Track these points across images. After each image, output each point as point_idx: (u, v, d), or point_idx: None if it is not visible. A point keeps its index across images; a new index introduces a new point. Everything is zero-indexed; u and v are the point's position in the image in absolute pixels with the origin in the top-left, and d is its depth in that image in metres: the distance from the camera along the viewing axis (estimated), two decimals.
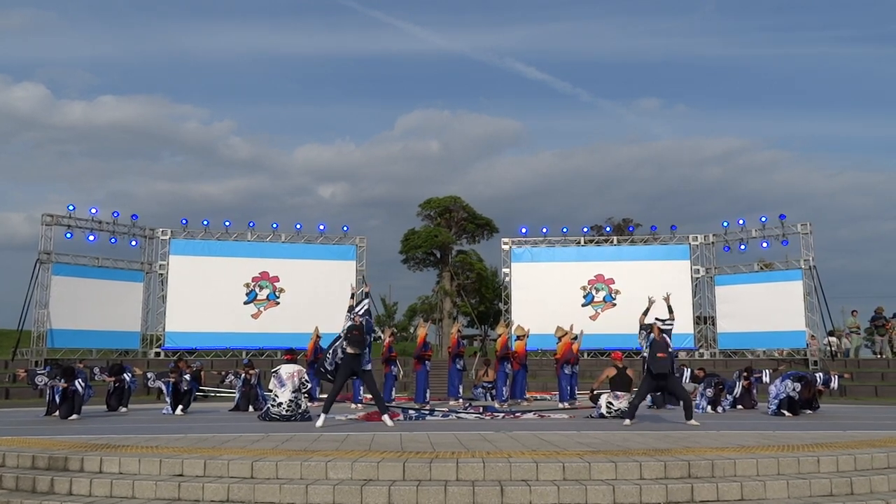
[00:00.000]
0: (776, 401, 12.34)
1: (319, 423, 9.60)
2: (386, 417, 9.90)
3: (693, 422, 9.83)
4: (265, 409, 11.31)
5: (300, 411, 10.96)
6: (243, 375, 14.20)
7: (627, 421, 9.95)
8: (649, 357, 10.19)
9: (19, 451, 6.87)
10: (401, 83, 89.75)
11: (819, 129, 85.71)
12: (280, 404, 10.94)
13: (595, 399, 12.31)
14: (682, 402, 10.34)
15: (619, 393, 11.51)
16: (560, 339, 15.34)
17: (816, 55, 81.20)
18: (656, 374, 10.13)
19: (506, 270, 25.09)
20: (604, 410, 11.39)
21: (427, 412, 12.45)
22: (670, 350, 10.31)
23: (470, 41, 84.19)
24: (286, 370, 11.30)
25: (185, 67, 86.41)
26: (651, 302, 10.67)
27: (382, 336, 11.21)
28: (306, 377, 11.50)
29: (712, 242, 24.27)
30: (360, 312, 10.30)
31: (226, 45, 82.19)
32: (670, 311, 10.61)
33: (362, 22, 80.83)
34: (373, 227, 74.19)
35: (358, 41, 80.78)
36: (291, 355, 12.11)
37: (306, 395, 11.49)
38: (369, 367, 10.21)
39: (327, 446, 7.18)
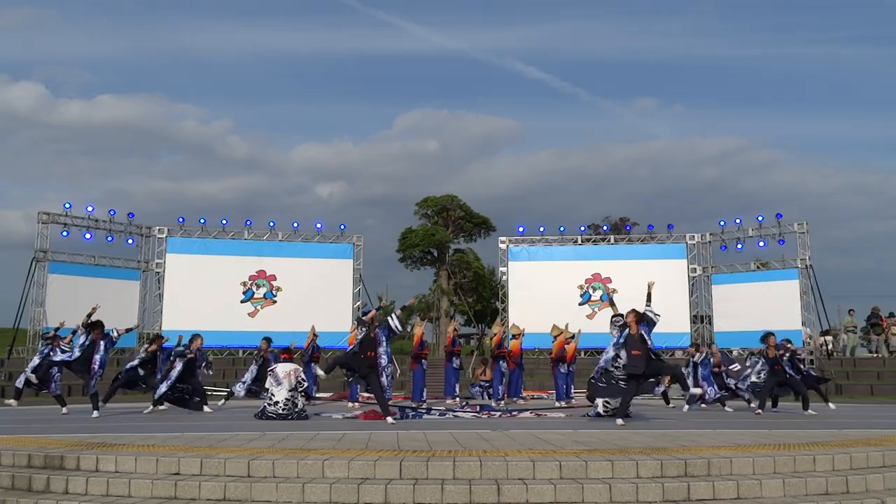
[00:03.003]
0: (745, 382, 12.39)
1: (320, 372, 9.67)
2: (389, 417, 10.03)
3: (694, 390, 9.35)
4: (261, 407, 11.30)
5: (297, 410, 10.96)
6: (261, 353, 14.03)
7: (619, 421, 9.82)
8: (624, 356, 9.66)
9: (15, 449, 6.85)
10: (400, 82, 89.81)
11: (816, 130, 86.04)
12: (276, 403, 10.94)
13: (592, 398, 12.32)
14: (675, 377, 9.81)
15: None
16: (555, 337, 15.37)
17: (814, 56, 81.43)
18: (628, 376, 9.66)
19: (503, 269, 25.08)
20: (600, 409, 11.39)
21: (424, 411, 12.45)
22: (649, 346, 9.73)
23: (470, 40, 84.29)
24: (283, 369, 11.29)
25: (183, 66, 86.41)
26: (650, 286, 10.04)
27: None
28: (303, 376, 11.49)
29: (709, 241, 24.30)
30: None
31: (225, 43, 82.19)
32: (649, 298, 10.10)
33: (362, 21, 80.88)
34: (370, 226, 74.21)
35: (357, 40, 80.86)
36: (288, 354, 12.10)
37: (303, 394, 11.49)
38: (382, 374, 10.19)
39: (324, 445, 7.17)
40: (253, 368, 14.02)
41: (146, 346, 13.30)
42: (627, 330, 9.87)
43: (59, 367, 12.24)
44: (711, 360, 13.63)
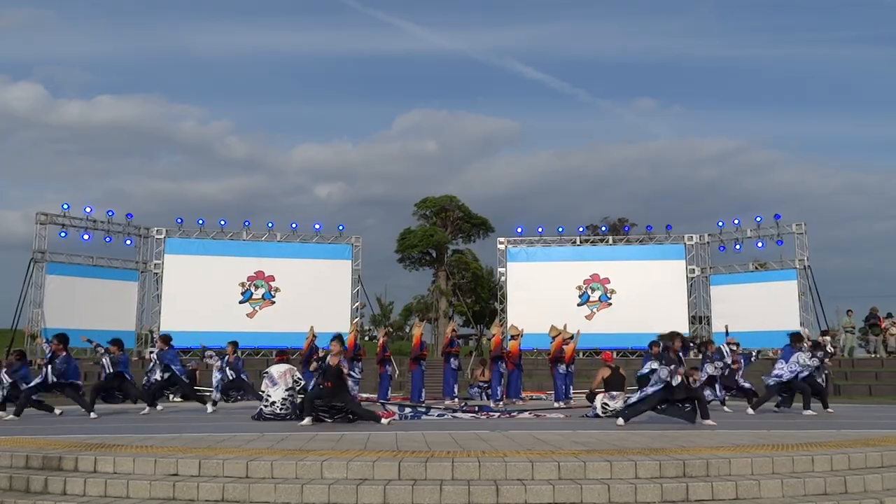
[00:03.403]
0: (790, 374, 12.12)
1: (305, 422, 9.61)
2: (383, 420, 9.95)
3: (709, 421, 9.52)
4: (258, 409, 11.27)
5: (296, 410, 10.92)
6: (226, 357, 13.64)
7: (619, 421, 9.78)
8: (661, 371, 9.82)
9: (13, 450, 6.84)
10: (400, 83, 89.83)
11: (815, 130, 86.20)
12: (273, 403, 10.90)
13: (592, 399, 12.31)
14: (697, 402, 9.95)
15: (614, 393, 11.47)
16: (554, 338, 15.37)
17: (813, 56, 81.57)
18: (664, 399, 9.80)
19: (501, 270, 25.11)
20: (599, 411, 11.39)
21: (423, 410, 12.44)
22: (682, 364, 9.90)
23: (469, 41, 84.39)
24: (277, 369, 11.29)
25: (183, 66, 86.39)
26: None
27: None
28: (298, 375, 11.46)
29: (707, 242, 24.34)
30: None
31: (224, 44, 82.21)
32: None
33: (362, 21, 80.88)
34: (369, 227, 74.21)
35: (357, 40, 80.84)
36: (283, 356, 12.11)
37: (301, 393, 11.48)
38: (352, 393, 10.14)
39: (322, 446, 7.16)
40: (218, 375, 13.55)
41: (103, 353, 12.70)
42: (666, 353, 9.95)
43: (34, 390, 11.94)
44: (729, 358, 13.48)
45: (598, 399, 11.61)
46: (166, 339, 13.22)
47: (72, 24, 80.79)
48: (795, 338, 12.65)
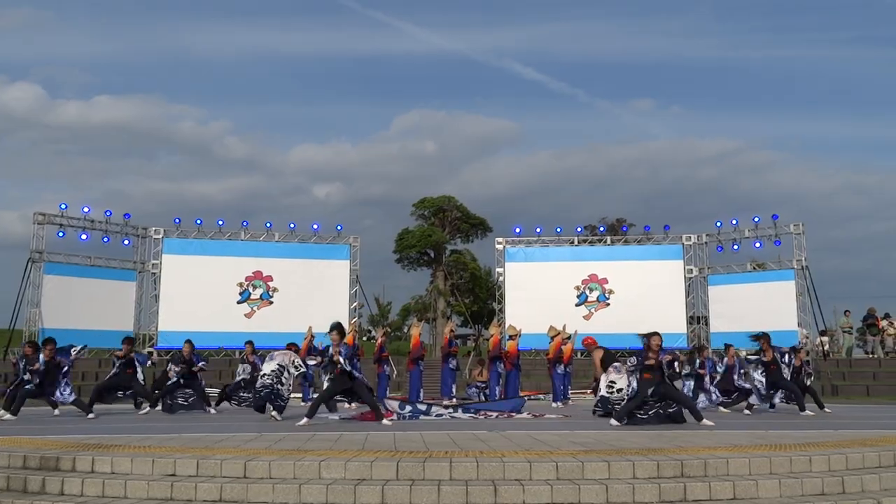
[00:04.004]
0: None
1: (302, 422, 9.59)
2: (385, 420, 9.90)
3: (707, 421, 9.53)
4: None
5: (279, 388, 10.73)
6: (244, 356, 13.99)
7: (613, 422, 9.76)
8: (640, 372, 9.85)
9: (10, 450, 6.82)
10: (398, 83, 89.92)
11: (814, 130, 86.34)
12: (264, 375, 10.90)
13: (595, 391, 12.16)
14: (683, 405, 9.91)
15: (616, 364, 11.24)
16: (552, 338, 15.38)
17: (811, 57, 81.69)
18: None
19: (499, 270, 25.12)
20: (605, 391, 11.13)
21: (423, 409, 12.39)
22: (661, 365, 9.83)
23: (468, 41, 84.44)
24: (279, 352, 11.40)
25: (182, 67, 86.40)
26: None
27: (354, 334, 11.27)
28: (299, 361, 11.44)
29: (705, 242, 24.36)
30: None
31: (224, 44, 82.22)
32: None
33: (361, 21, 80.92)
34: (368, 227, 74.26)
35: (357, 41, 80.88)
36: (290, 348, 12.18)
37: (302, 381, 11.50)
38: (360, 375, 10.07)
39: (320, 446, 7.16)
40: (243, 374, 13.93)
41: (115, 359, 12.88)
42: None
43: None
44: (725, 361, 13.54)
45: (602, 380, 11.36)
46: (191, 343, 13.40)
47: (71, 24, 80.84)
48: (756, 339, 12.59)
